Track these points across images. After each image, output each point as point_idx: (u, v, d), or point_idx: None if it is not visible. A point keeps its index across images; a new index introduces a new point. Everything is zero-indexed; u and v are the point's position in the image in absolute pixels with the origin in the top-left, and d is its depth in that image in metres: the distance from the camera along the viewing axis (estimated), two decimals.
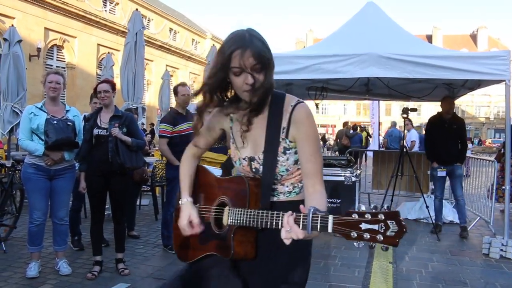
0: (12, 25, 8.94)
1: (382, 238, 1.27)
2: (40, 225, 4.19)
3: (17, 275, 4.21)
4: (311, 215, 1.37)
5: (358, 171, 6.56)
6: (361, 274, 4.52)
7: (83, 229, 5.47)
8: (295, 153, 1.72)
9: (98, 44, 21.07)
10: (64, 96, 18.38)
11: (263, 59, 1.58)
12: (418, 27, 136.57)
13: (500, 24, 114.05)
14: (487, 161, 7.69)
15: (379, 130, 17.06)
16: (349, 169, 6.28)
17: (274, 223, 1.53)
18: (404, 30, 6.70)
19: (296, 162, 1.73)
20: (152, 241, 5.66)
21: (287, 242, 1.45)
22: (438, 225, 6.52)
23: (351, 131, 16.16)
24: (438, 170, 6.26)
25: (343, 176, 6.07)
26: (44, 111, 4.19)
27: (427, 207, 6.45)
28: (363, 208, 1.19)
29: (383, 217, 1.28)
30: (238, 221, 1.65)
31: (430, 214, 6.43)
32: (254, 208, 1.63)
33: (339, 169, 6.31)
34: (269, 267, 1.74)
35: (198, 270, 1.85)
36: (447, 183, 6.63)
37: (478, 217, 7.02)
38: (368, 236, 1.28)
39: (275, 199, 1.77)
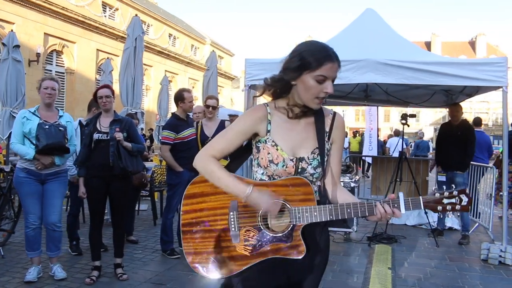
0: (12, 30, 8.95)
1: (460, 207, 1.76)
2: (36, 229, 4.18)
3: (15, 280, 4.20)
4: (403, 199, 1.75)
5: (357, 177, 6.56)
6: (360, 280, 4.52)
7: (81, 234, 5.47)
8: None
9: (98, 50, 21.07)
10: (63, 101, 18.36)
11: None
12: (417, 34, 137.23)
13: (499, 31, 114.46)
14: (486, 167, 7.70)
15: (378, 136, 17.33)
16: (348, 174, 6.29)
17: (366, 211, 1.80)
18: (402, 37, 6.74)
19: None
20: (151, 246, 5.65)
21: (384, 221, 1.85)
22: (438, 230, 6.53)
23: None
24: (438, 174, 6.48)
25: (342, 181, 6.06)
26: (37, 116, 4.22)
27: (426, 213, 6.45)
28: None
29: (457, 193, 1.76)
30: (310, 219, 1.75)
31: (429, 220, 6.43)
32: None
33: None
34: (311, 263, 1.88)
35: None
36: None
37: (477, 224, 7.03)
38: (450, 207, 1.76)
39: None
